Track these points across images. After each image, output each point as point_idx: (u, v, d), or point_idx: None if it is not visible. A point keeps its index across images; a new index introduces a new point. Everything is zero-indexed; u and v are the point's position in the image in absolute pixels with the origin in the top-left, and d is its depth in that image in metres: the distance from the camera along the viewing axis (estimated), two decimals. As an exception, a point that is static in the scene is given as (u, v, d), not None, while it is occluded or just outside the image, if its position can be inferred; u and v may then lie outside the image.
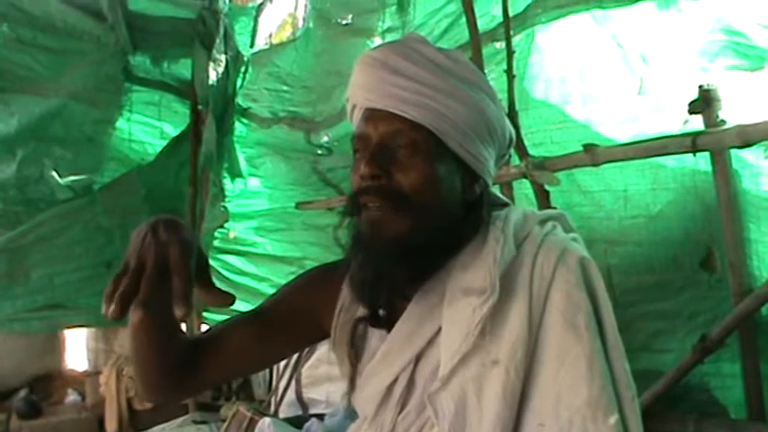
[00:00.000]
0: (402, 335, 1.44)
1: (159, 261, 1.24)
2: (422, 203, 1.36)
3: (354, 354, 1.55)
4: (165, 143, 5.84)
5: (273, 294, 1.71)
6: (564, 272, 1.35)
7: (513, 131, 1.56)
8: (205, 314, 5.78)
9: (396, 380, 1.45)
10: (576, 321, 1.31)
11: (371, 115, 1.41)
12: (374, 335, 1.53)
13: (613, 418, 1.26)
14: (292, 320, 1.62)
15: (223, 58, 5.51)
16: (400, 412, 1.44)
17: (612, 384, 1.29)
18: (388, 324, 1.48)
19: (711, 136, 2.55)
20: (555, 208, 3.00)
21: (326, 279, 1.63)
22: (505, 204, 1.58)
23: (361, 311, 1.54)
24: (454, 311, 1.37)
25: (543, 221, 1.50)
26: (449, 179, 1.41)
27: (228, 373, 1.83)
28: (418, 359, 1.43)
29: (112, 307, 1.22)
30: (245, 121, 5.74)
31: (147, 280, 1.23)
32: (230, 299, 1.32)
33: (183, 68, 5.73)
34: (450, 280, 1.41)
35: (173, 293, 1.21)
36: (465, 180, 1.44)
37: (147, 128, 5.83)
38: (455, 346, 1.34)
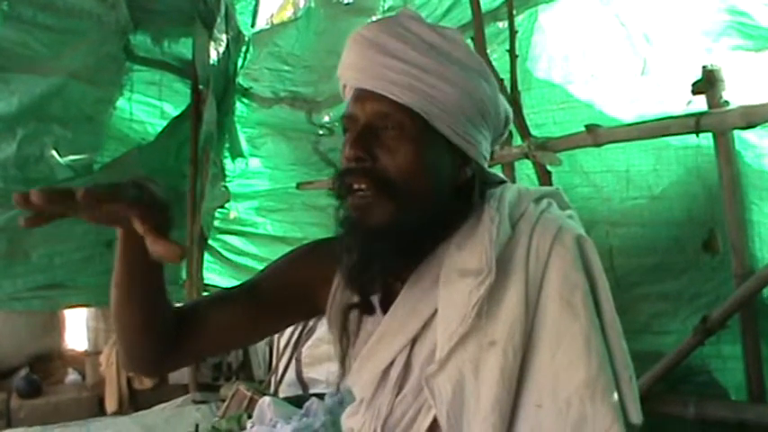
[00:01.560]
0: (397, 318, 1.43)
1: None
2: (408, 188, 1.34)
3: (347, 338, 1.54)
4: (165, 123, 5.86)
5: (265, 268, 1.68)
6: (560, 250, 1.34)
7: (509, 110, 1.54)
8: (205, 294, 5.78)
9: (392, 363, 1.43)
10: (573, 300, 1.30)
11: (360, 95, 1.39)
12: (369, 318, 1.51)
13: (611, 398, 1.25)
14: (284, 295, 1.60)
15: (224, 37, 5.49)
16: (397, 395, 1.42)
17: (610, 363, 1.29)
18: (383, 306, 1.47)
19: (715, 116, 2.54)
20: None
21: (322, 255, 1.61)
22: (502, 182, 1.55)
23: (354, 296, 1.53)
24: (450, 293, 1.36)
25: (538, 199, 1.48)
26: (437, 163, 1.39)
27: (215, 347, 1.82)
28: (414, 342, 1.41)
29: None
30: (245, 100, 5.73)
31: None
32: (179, 251, 1.17)
33: (183, 48, 5.73)
34: (445, 261, 1.40)
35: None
36: (455, 163, 1.42)
37: (147, 107, 5.84)
38: (452, 328, 1.32)
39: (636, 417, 1.30)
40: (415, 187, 1.35)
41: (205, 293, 5.79)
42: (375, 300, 1.49)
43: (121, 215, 1.18)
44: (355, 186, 1.35)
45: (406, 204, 1.34)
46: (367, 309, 1.48)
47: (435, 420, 1.35)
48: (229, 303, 1.60)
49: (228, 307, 1.59)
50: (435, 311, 1.38)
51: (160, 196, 1.24)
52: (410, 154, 1.35)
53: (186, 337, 1.53)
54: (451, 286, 1.36)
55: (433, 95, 1.35)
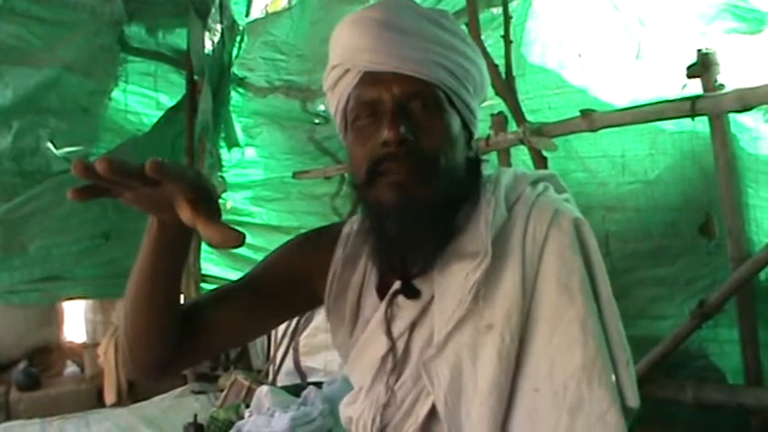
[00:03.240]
0: (395, 303, 1.41)
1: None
2: (445, 164, 1.33)
3: (355, 324, 1.51)
4: (160, 113, 5.85)
5: (262, 261, 1.64)
6: (557, 234, 1.33)
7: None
8: (202, 285, 5.80)
9: (390, 349, 1.41)
10: (570, 284, 1.29)
11: (380, 78, 1.33)
12: (367, 304, 1.50)
13: (608, 382, 1.24)
14: (284, 287, 1.56)
15: (218, 27, 5.50)
16: (396, 382, 1.41)
17: (607, 347, 1.28)
18: (380, 292, 1.46)
19: (710, 100, 2.54)
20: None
21: (317, 244, 1.59)
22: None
23: (356, 280, 1.52)
24: (446, 277, 1.35)
25: (535, 182, 1.47)
26: (459, 137, 1.38)
27: (218, 347, 1.78)
28: (413, 327, 1.40)
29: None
30: (240, 90, 5.73)
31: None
32: (238, 235, 1.12)
33: (178, 38, 5.72)
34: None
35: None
36: (466, 138, 1.42)
37: (142, 98, 5.83)
38: (449, 312, 1.32)
39: (633, 400, 1.29)
40: (451, 163, 1.34)
41: (203, 283, 5.82)
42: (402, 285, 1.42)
43: (172, 199, 1.13)
44: (395, 170, 1.30)
45: (445, 180, 1.32)
46: (410, 293, 1.41)
47: (434, 406, 1.34)
48: (230, 302, 1.54)
49: (229, 305, 1.53)
50: (433, 297, 1.37)
51: (211, 184, 1.20)
52: (441, 130, 1.33)
53: (190, 340, 1.48)
54: (448, 270, 1.35)
55: (452, 69, 1.35)
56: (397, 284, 1.41)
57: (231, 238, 1.11)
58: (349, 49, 1.38)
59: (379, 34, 1.33)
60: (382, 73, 1.33)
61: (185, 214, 1.13)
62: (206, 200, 1.14)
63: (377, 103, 1.33)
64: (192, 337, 1.47)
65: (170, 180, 1.07)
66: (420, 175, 1.30)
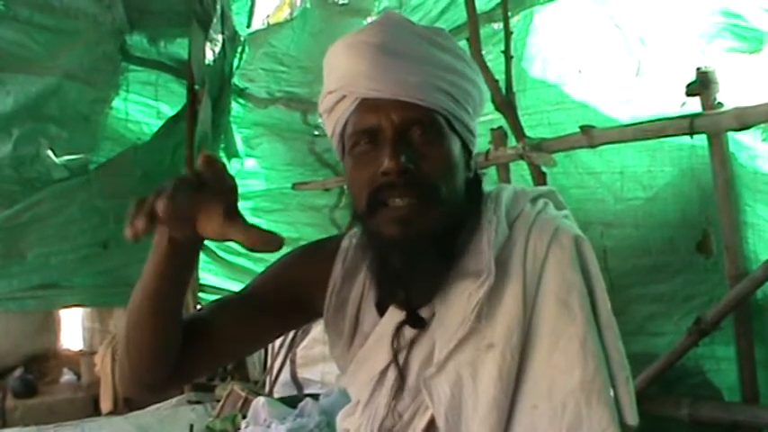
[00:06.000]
0: (395, 319, 1.41)
1: (194, 182, 1.13)
2: (448, 191, 1.32)
3: (353, 339, 1.51)
4: (161, 123, 5.85)
5: (261, 274, 1.61)
6: (557, 251, 1.33)
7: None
8: (200, 295, 5.80)
9: (389, 365, 1.41)
10: (570, 302, 1.29)
11: (377, 105, 1.31)
12: (366, 318, 1.50)
13: (607, 400, 1.25)
14: (284, 300, 1.54)
15: (220, 37, 5.51)
16: (394, 397, 1.41)
17: (606, 365, 1.28)
18: (379, 309, 1.46)
19: (709, 118, 2.54)
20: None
21: (317, 257, 1.59)
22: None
23: (355, 294, 1.52)
24: (449, 296, 1.35)
25: (535, 199, 1.47)
26: (459, 161, 1.37)
27: (217, 363, 1.77)
28: (412, 343, 1.40)
29: (138, 218, 1.07)
30: (241, 101, 5.73)
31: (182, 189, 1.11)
32: (278, 239, 1.18)
33: (179, 48, 5.72)
34: None
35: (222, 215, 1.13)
36: (466, 159, 1.41)
37: (143, 107, 5.83)
38: (451, 331, 1.32)
39: (632, 418, 1.30)
40: (453, 189, 1.33)
41: (201, 293, 5.81)
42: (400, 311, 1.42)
43: (199, 208, 1.13)
44: (397, 200, 1.29)
45: (449, 206, 1.32)
46: (417, 323, 1.39)
47: (431, 422, 1.35)
48: (230, 316, 1.51)
49: (229, 320, 1.50)
50: (433, 314, 1.37)
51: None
52: (442, 157, 1.32)
53: (191, 355, 1.44)
54: (449, 289, 1.35)
55: (451, 92, 1.34)
56: (398, 314, 1.40)
57: (273, 242, 1.16)
58: (346, 75, 1.36)
59: (377, 60, 1.31)
60: (381, 99, 1.31)
61: (215, 223, 1.13)
62: (236, 206, 1.17)
63: (376, 131, 1.31)
64: (193, 353, 1.45)
65: (221, 176, 1.13)
66: (421, 205, 1.29)
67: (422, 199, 1.29)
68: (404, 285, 1.35)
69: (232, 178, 1.17)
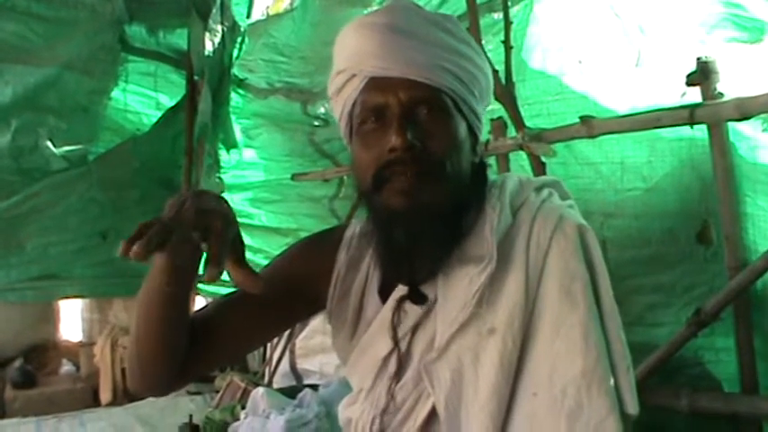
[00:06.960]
0: (402, 308, 1.41)
1: (199, 222, 1.15)
2: (453, 169, 1.33)
3: (357, 326, 1.52)
4: (160, 114, 5.84)
5: (265, 267, 1.62)
6: (561, 240, 1.34)
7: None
8: (199, 286, 5.79)
9: (392, 351, 1.42)
10: (573, 290, 1.30)
11: (386, 83, 1.33)
12: (369, 306, 1.50)
13: (608, 389, 1.25)
14: (288, 292, 1.54)
15: (219, 28, 5.49)
16: (396, 384, 1.41)
17: (608, 354, 1.29)
18: (381, 295, 1.47)
19: (709, 108, 2.54)
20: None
21: (320, 248, 1.59)
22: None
23: (359, 282, 1.53)
24: (451, 281, 1.36)
25: (539, 188, 1.48)
26: (466, 142, 1.39)
27: (223, 360, 1.77)
28: (415, 330, 1.40)
29: (138, 245, 1.07)
30: (241, 91, 5.71)
31: (185, 226, 1.14)
32: (260, 283, 1.24)
33: (179, 39, 5.70)
34: None
35: (205, 257, 1.15)
36: (472, 142, 1.42)
37: (142, 98, 5.82)
38: (452, 316, 1.33)
39: (632, 407, 1.30)
40: (458, 167, 1.35)
41: (199, 285, 5.80)
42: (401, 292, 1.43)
43: (209, 233, 1.16)
44: (401, 176, 1.31)
45: (451, 185, 1.33)
46: (418, 298, 1.40)
47: (434, 408, 1.35)
48: (235, 311, 1.51)
49: (235, 315, 1.51)
50: (436, 300, 1.38)
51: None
52: (448, 135, 1.34)
53: (198, 352, 1.45)
54: (452, 274, 1.36)
55: (458, 74, 1.35)
56: (401, 289, 1.41)
57: (255, 284, 1.24)
58: (355, 55, 1.37)
59: (386, 39, 1.33)
60: (389, 78, 1.33)
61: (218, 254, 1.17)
62: (239, 242, 1.24)
63: (383, 109, 1.33)
64: (199, 352, 1.45)
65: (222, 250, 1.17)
66: (427, 180, 1.30)
67: (427, 174, 1.30)
68: (408, 260, 1.36)
69: (235, 231, 1.23)
